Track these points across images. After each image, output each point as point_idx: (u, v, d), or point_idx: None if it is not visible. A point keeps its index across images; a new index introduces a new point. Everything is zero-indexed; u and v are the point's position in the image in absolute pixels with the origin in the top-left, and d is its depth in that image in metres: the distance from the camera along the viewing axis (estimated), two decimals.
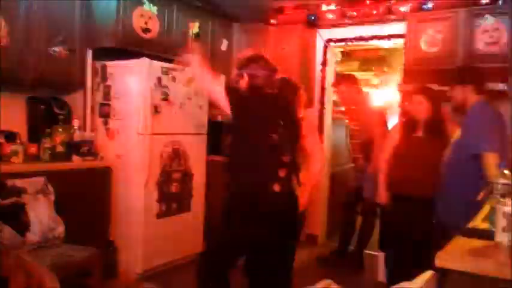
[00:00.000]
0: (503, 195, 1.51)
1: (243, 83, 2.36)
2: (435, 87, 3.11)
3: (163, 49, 3.72)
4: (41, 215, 2.69)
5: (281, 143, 2.22)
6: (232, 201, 2.28)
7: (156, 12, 3.65)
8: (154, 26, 3.65)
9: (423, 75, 3.61)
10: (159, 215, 3.52)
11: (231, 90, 2.31)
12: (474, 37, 3.51)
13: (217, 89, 2.34)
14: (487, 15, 3.46)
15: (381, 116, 3.89)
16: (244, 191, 2.24)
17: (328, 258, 4.07)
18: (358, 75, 6.33)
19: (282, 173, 2.20)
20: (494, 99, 2.88)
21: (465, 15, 3.55)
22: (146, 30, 3.58)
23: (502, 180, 1.60)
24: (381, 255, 3.50)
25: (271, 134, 2.21)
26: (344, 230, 4.12)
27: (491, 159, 2.29)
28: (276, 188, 2.18)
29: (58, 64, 3.22)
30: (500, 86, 3.23)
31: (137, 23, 3.51)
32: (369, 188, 3.64)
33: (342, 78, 4.08)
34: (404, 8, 3.95)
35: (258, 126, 2.24)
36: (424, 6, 3.82)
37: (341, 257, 4.03)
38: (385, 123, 3.85)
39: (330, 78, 4.71)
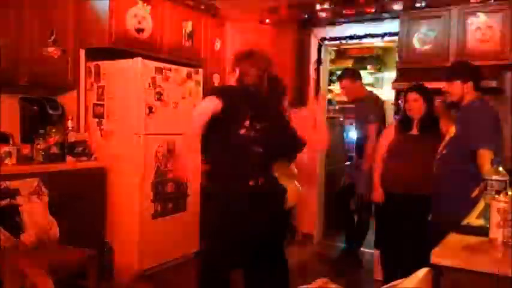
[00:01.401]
0: (497, 192, 1.52)
1: (233, 79, 2.34)
2: (429, 84, 3.13)
3: (156, 49, 3.71)
4: (36, 216, 2.67)
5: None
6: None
7: (149, 12, 3.63)
8: (148, 26, 3.63)
9: (417, 72, 3.63)
10: (155, 215, 3.51)
11: (221, 91, 2.29)
12: (466, 35, 3.53)
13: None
14: (479, 13, 3.49)
15: (380, 112, 3.89)
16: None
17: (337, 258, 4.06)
18: None
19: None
20: (487, 96, 2.89)
21: (457, 13, 3.57)
22: (139, 30, 3.56)
23: (496, 177, 1.61)
24: (377, 253, 3.51)
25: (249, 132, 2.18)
26: (348, 229, 4.12)
27: (486, 156, 2.30)
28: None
29: (51, 64, 3.19)
30: (492, 83, 3.25)
31: (130, 22, 3.49)
32: (362, 185, 3.65)
33: (345, 73, 4.06)
34: (397, 6, 3.96)
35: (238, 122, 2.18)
36: (417, 4, 3.83)
37: (350, 256, 4.02)
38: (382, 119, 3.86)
39: (325, 76, 4.72)
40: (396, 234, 3.02)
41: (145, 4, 3.59)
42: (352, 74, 3.97)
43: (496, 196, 1.42)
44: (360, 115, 3.88)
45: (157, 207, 3.53)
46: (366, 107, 3.79)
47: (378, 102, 3.96)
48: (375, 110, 3.78)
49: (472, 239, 1.40)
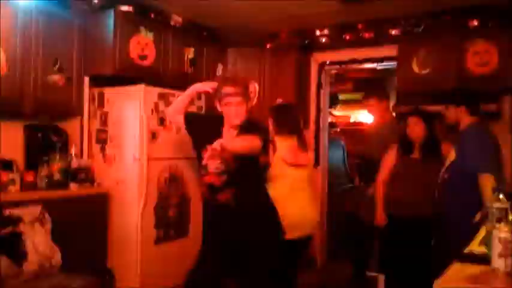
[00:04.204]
0: (498, 220, 1.52)
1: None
2: (429, 108, 3.15)
3: (159, 75, 3.77)
4: (38, 244, 2.67)
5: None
6: None
7: (152, 39, 3.70)
8: (151, 53, 3.69)
9: (416, 96, 3.66)
10: (157, 241, 3.50)
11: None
12: (465, 59, 3.57)
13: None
14: (477, 38, 3.53)
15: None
16: None
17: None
18: (352, 96, 6.39)
19: None
20: (487, 120, 2.92)
21: (456, 38, 3.62)
22: (143, 57, 3.62)
23: (498, 205, 1.62)
24: (381, 277, 3.48)
25: None
26: (356, 254, 4.07)
27: (487, 181, 2.31)
28: None
29: (56, 92, 3.24)
30: (492, 107, 3.28)
31: (134, 50, 3.55)
32: (367, 210, 3.62)
33: (372, 91, 3.90)
34: (395, 31, 4.02)
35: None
36: (415, 29, 3.88)
37: (356, 281, 3.96)
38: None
39: (326, 100, 4.76)
40: (400, 257, 3.01)
41: (148, 31, 3.66)
42: (379, 93, 3.81)
43: (497, 225, 1.43)
44: (378, 141, 3.50)
45: (160, 233, 3.52)
46: (388, 136, 3.42)
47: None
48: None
49: (475, 269, 1.40)
